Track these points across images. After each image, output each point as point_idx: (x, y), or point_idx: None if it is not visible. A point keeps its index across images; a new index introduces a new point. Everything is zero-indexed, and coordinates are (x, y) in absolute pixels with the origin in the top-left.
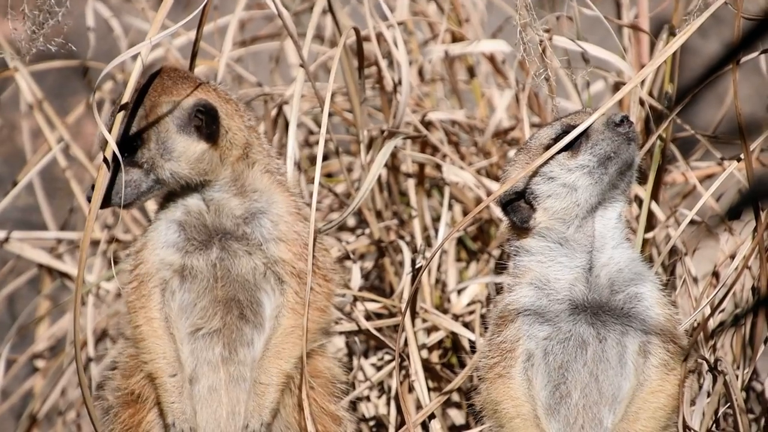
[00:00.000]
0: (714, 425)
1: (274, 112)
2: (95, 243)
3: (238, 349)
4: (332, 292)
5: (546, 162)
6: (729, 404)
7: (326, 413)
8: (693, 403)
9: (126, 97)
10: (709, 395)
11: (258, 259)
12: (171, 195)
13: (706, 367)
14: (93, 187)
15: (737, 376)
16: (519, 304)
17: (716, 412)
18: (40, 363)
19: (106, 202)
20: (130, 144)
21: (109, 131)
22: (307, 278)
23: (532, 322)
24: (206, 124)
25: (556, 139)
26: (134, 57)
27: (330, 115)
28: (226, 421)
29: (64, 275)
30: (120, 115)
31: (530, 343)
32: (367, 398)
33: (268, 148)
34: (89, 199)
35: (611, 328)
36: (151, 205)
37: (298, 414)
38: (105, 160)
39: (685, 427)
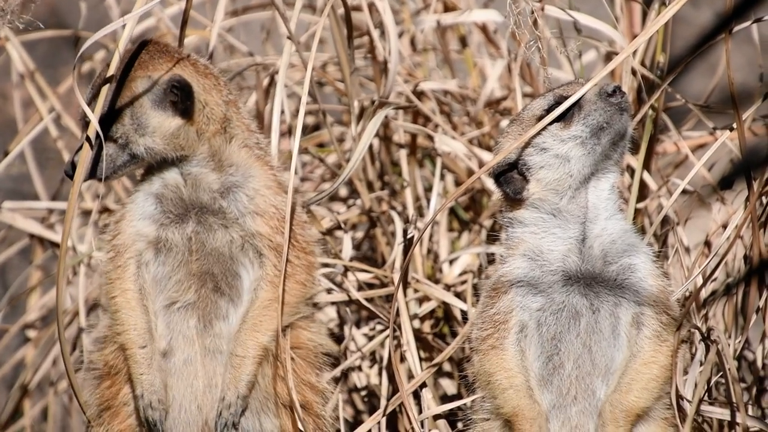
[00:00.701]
0: (706, 394)
1: (266, 82)
2: (87, 213)
3: (213, 322)
4: (312, 264)
5: (539, 133)
6: (721, 373)
7: (306, 384)
8: (686, 372)
9: (105, 71)
10: (701, 365)
11: (235, 233)
12: (150, 168)
13: (698, 336)
14: (72, 162)
15: (729, 345)
16: (512, 275)
17: (709, 381)
18: (31, 333)
19: (88, 176)
20: (107, 119)
21: (89, 104)
22: (284, 251)
23: (525, 294)
24: (181, 99)
25: (549, 110)
26: (124, 26)
27: (322, 84)
28: (202, 394)
29: (56, 245)
30: (103, 90)
31: (523, 315)
32: (359, 368)
33: (248, 122)
34: (67, 174)
35: (604, 299)
36: None
37: (276, 383)
38: (87, 136)
39: (678, 396)
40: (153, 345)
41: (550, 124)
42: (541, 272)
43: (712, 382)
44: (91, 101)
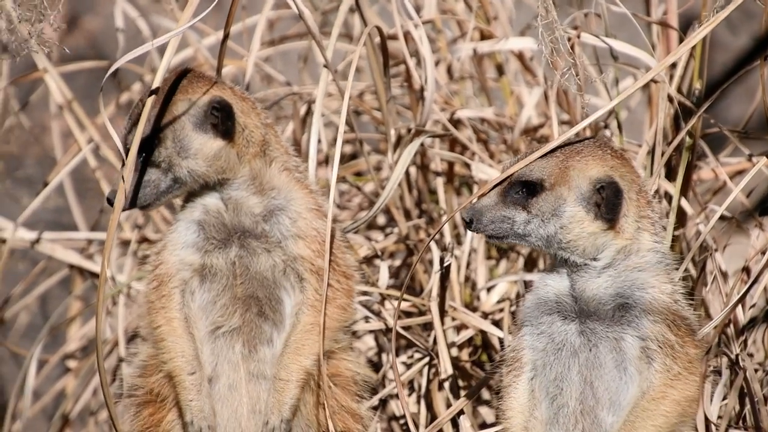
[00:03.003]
0: (741, 422)
1: (303, 111)
2: (125, 243)
3: (257, 346)
4: (353, 289)
5: None
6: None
7: (347, 411)
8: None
9: (144, 97)
10: (726, 390)
11: (277, 257)
12: (190, 195)
13: (726, 362)
14: (114, 190)
15: (759, 371)
16: (523, 313)
17: (740, 409)
18: (71, 363)
19: (130, 204)
20: (149, 144)
21: (129, 132)
22: (324, 274)
23: (533, 333)
24: (221, 120)
25: None
26: (161, 55)
27: (358, 113)
28: (246, 419)
29: (95, 275)
30: (143, 115)
31: (533, 354)
32: (397, 396)
33: (286, 145)
34: (109, 201)
35: (602, 335)
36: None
37: (318, 411)
38: (122, 162)
39: (707, 423)
40: (201, 372)
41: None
42: (539, 312)
43: (745, 410)
44: (132, 128)
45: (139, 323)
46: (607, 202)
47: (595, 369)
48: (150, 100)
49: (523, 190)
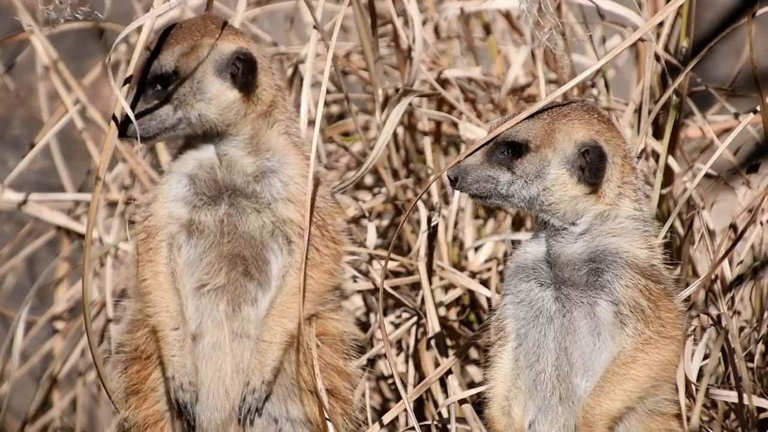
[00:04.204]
0: (723, 381)
1: (289, 72)
2: (113, 204)
3: (242, 306)
4: (340, 254)
5: None
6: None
7: (333, 368)
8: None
9: (162, 31)
10: (707, 354)
11: (266, 218)
12: (186, 146)
13: (709, 321)
14: (122, 122)
15: (746, 328)
16: (505, 282)
17: (726, 369)
18: (59, 325)
19: (133, 133)
20: (166, 78)
21: (148, 63)
22: (305, 235)
23: (513, 302)
24: (242, 72)
25: None
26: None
27: (346, 73)
28: (230, 378)
29: (82, 237)
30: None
31: (516, 323)
32: (386, 356)
33: (292, 110)
34: (115, 121)
35: (576, 301)
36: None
37: (302, 369)
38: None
39: (688, 383)
40: (185, 327)
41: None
42: (518, 280)
43: (728, 370)
44: (151, 60)
45: (128, 280)
46: (590, 166)
47: (570, 335)
48: (176, 35)
49: (509, 150)
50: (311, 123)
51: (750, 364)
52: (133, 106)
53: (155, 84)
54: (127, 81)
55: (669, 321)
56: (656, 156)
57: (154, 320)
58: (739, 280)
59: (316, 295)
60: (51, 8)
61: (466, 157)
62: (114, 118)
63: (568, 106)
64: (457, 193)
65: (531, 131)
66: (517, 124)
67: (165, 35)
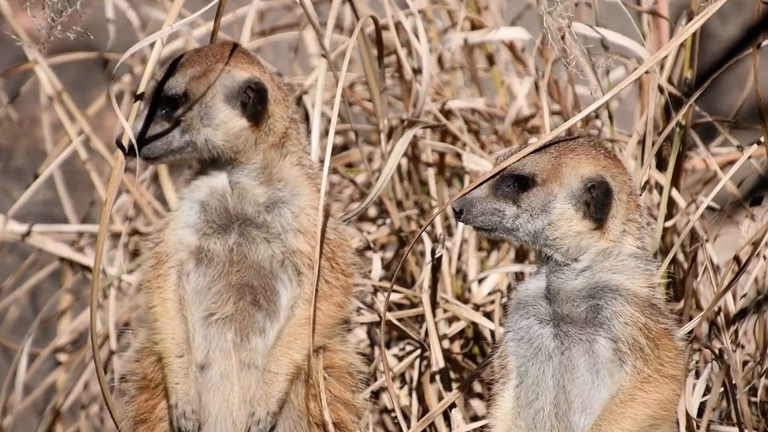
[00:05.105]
0: (725, 417)
1: None
2: (116, 235)
3: (250, 336)
4: (350, 286)
5: None
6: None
7: (340, 401)
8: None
9: (179, 57)
10: (709, 387)
11: (276, 248)
12: (199, 172)
13: (710, 356)
14: (125, 136)
15: (749, 362)
16: (507, 318)
17: (728, 404)
18: (62, 357)
19: (138, 153)
20: (174, 100)
21: (160, 86)
22: (315, 266)
23: (515, 339)
24: (253, 102)
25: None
26: (152, 46)
27: (350, 104)
28: (237, 408)
29: (86, 268)
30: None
31: (517, 361)
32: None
33: (305, 143)
34: (118, 143)
35: (575, 338)
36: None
37: (309, 402)
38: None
39: (689, 419)
40: (190, 355)
41: None
42: (518, 316)
43: (731, 405)
44: (165, 79)
45: (133, 310)
46: (596, 202)
47: (568, 372)
48: (191, 58)
49: (515, 184)
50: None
51: (753, 399)
52: (144, 128)
53: (165, 106)
54: (137, 98)
55: (668, 360)
56: (660, 188)
57: (160, 347)
58: (742, 313)
59: (325, 327)
60: (51, 30)
61: (472, 189)
62: (119, 144)
63: (575, 140)
64: (461, 225)
65: (538, 165)
66: (523, 157)
67: (180, 58)
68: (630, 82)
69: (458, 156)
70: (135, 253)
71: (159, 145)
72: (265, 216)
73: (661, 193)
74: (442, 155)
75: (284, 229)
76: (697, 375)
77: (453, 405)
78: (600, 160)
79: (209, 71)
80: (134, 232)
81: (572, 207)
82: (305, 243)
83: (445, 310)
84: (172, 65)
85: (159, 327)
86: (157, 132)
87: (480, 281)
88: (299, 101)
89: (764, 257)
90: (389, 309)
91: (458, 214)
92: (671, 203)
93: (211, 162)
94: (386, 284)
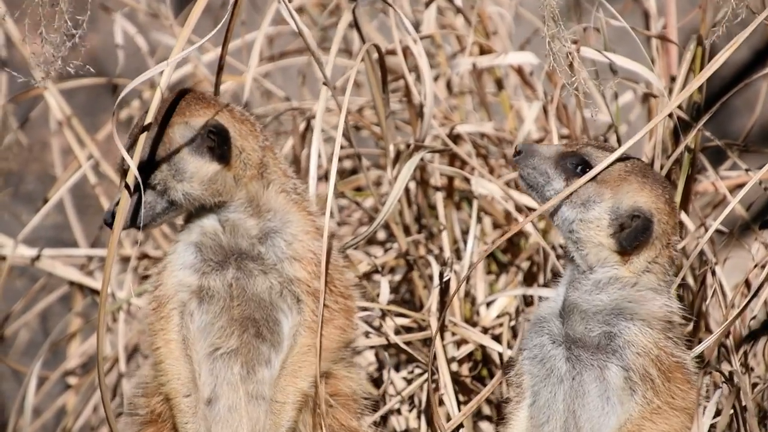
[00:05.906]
0: None
1: (302, 127)
2: (125, 259)
3: (256, 368)
4: (352, 309)
5: None
6: (742, 416)
7: (347, 429)
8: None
9: (142, 118)
10: (719, 410)
11: (274, 279)
12: (190, 216)
13: (720, 379)
14: (111, 211)
15: (759, 384)
16: (524, 335)
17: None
18: (72, 380)
19: (129, 224)
20: (145, 166)
21: (128, 151)
22: (320, 292)
23: (530, 357)
24: (218, 144)
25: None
26: (161, 73)
27: (358, 128)
28: None
29: (95, 292)
30: (141, 137)
31: (531, 380)
32: (398, 411)
33: (285, 167)
34: (105, 222)
35: (587, 363)
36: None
37: (317, 431)
38: (126, 184)
39: None
40: (197, 394)
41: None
42: (534, 334)
43: (740, 428)
44: (130, 148)
45: (141, 341)
46: (631, 231)
47: (579, 398)
48: (147, 122)
49: (579, 167)
50: (322, 178)
51: (763, 420)
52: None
53: (141, 173)
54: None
55: (679, 393)
56: None
57: (167, 388)
58: (752, 335)
59: (328, 351)
60: (52, 65)
61: (541, 144)
62: (107, 223)
63: (653, 170)
64: (469, 247)
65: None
66: (603, 153)
67: (138, 123)
68: (649, 129)
69: (467, 180)
70: (144, 277)
71: (144, 213)
72: (259, 248)
73: None
74: (450, 179)
75: (279, 258)
76: (707, 398)
77: (461, 426)
78: (659, 201)
79: (168, 128)
80: (144, 256)
81: (608, 219)
82: (301, 269)
83: (453, 333)
84: (134, 132)
85: (164, 368)
86: (138, 202)
87: (488, 304)
88: (308, 126)
89: None
90: (397, 332)
91: (516, 154)
92: (680, 226)
93: (200, 206)
94: (394, 308)
